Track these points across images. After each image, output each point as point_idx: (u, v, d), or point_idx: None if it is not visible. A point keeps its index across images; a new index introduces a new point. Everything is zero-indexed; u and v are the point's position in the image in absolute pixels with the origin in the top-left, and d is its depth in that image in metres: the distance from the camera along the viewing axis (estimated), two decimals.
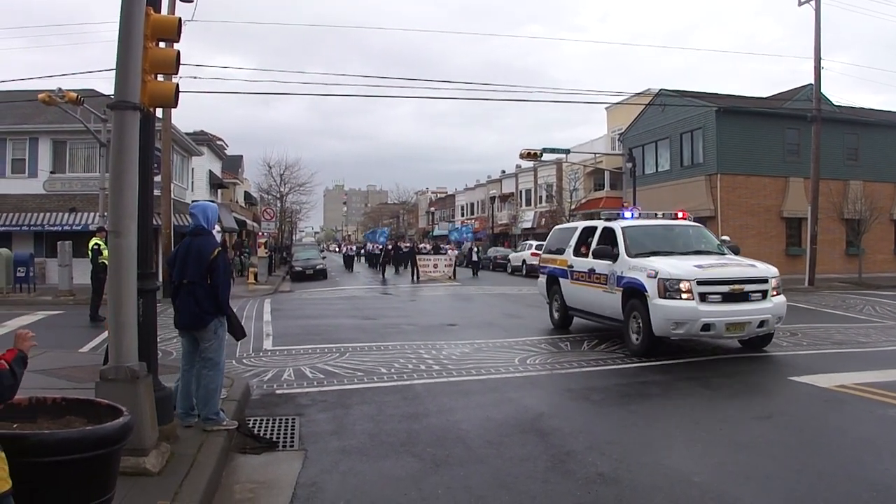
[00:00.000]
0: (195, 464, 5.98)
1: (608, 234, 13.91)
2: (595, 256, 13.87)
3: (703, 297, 11.47)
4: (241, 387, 9.25)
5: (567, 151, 38.51)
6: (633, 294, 12.35)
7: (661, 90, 40.69)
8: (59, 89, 22.79)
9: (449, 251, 41.93)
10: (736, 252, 14.65)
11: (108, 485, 4.02)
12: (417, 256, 40.35)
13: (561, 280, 15.74)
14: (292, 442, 7.26)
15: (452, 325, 17.15)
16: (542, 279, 17.11)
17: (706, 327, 11.38)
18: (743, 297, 11.68)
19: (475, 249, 45.46)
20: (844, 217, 34.64)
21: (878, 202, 34.51)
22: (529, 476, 6.12)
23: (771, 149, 36.03)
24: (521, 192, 67.89)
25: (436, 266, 38.59)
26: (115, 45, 5.97)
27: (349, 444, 7.17)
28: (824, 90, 31.22)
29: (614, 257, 13.16)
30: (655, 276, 11.74)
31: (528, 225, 61.70)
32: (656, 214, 15.14)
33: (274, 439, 7.28)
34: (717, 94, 40.11)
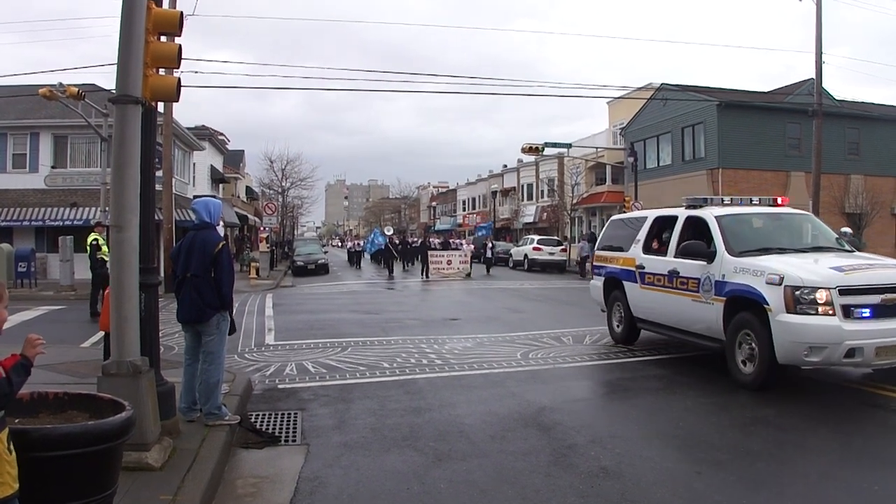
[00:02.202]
0: (197, 458, 5.97)
1: (696, 226, 11.06)
2: (681, 254, 10.73)
3: (847, 312, 8.48)
4: (243, 381, 9.24)
5: (569, 146, 38.56)
6: (743, 305, 9.40)
7: (662, 84, 40.69)
8: (60, 84, 22.76)
9: (464, 246, 39.55)
10: (859, 248, 11.61)
11: (110, 479, 4.01)
12: (430, 252, 37.10)
13: (626, 284, 12.60)
14: (294, 436, 7.26)
15: (455, 320, 17.14)
16: (598, 282, 14.00)
17: (851, 353, 8.34)
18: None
19: (490, 245, 42.65)
20: (846, 211, 34.64)
21: (880, 196, 34.54)
22: (532, 470, 6.12)
23: (772, 143, 36.03)
24: (522, 186, 67.83)
25: (449, 262, 36.07)
26: (116, 40, 5.97)
27: (351, 438, 7.16)
28: (825, 85, 31.20)
29: (709, 256, 10.13)
30: (780, 283, 8.79)
31: (530, 219, 61.72)
32: (751, 200, 11.93)
33: (276, 434, 7.28)
34: (718, 88, 40.16)
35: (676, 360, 11.25)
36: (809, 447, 6.77)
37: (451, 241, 46.77)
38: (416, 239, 53.21)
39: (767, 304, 8.87)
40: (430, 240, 44.75)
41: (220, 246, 7.18)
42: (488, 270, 39.44)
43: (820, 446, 6.84)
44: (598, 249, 14.44)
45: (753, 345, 9.13)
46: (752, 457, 6.42)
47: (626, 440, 6.99)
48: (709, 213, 10.86)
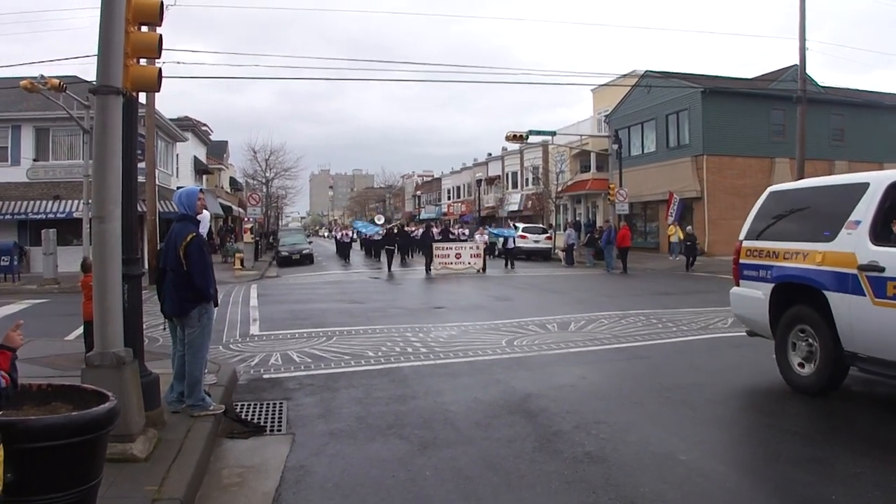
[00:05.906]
0: (183, 449, 5.98)
1: None
2: None
3: None
4: (228, 372, 9.24)
5: (553, 133, 38.63)
6: None
7: (646, 72, 40.78)
8: (41, 76, 22.57)
9: (477, 236, 34.88)
10: None
11: (94, 470, 4.01)
12: (434, 245, 31.82)
13: (831, 297, 7.50)
14: (280, 426, 7.27)
15: (440, 308, 17.17)
16: (755, 292, 8.77)
17: None
18: None
19: (513, 237, 35.62)
20: None
21: None
22: (517, 456, 6.15)
23: (757, 130, 36.20)
24: (507, 174, 67.73)
25: (458, 256, 31.00)
26: (95, 32, 5.93)
27: (337, 427, 7.18)
28: (809, 71, 31.31)
29: None
30: None
31: (515, 207, 61.72)
32: None
33: (262, 424, 7.29)
34: (702, 75, 40.31)
35: (662, 346, 11.31)
36: (794, 431, 6.81)
37: (451, 230, 41.83)
38: (415, 229, 48.73)
39: None
40: (432, 230, 38.73)
41: (189, 239, 7.09)
42: (509, 265, 32.99)
43: (806, 430, 6.88)
44: (747, 239, 9.16)
45: None
46: (735, 440, 6.48)
47: (610, 425, 7.03)
48: None
